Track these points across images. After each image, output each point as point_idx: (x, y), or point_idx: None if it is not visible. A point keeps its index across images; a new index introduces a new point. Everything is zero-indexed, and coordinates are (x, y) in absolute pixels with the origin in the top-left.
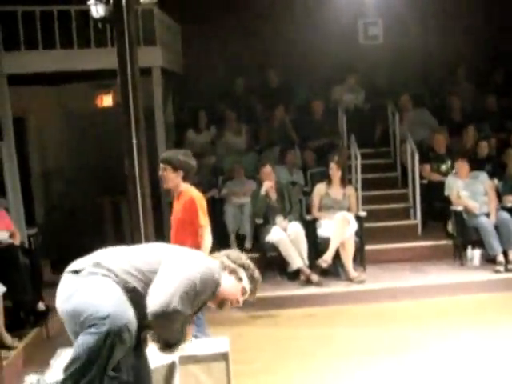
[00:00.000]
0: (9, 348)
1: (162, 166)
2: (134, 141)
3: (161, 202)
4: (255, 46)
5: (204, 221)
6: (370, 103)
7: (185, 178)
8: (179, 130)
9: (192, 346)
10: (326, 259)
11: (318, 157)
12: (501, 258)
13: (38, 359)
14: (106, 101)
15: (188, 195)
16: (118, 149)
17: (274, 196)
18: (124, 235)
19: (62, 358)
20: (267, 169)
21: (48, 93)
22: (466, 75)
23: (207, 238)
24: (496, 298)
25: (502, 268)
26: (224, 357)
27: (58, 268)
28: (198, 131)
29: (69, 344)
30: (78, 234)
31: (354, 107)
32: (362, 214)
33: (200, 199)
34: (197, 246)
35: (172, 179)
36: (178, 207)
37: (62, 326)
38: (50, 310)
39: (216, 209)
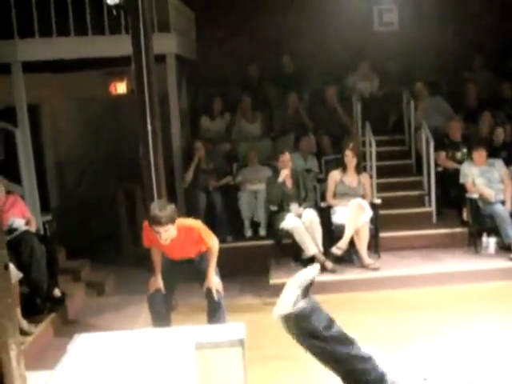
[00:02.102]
0: (25, 334)
1: (162, 227)
2: (149, 127)
3: (175, 188)
4: (270, 32)
5: (209, 239)
6: (384, 90)
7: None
8: (193, 117)
9: (208, 331)
10: (340, 246)
11: (332, 144)
12: None
13: (54, 344)
14: (120, 88)
15: (187, 228)
16: (132, 136)
17: (289, 183)
18: (138, 222)
19: (78, 344)
20: (286, 156)
21: (62, 80)
22: (482, 62)
23: (215, 246)
24: (509, 285)
25: None
26: (240, 343)
27: (73, 254)
28: (212, 118)
29: (84, 329)
30: (92, 220)
31: (369, 94)
32: (377, 201)
33: (196, 223)
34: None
35: (174, 232)
36: (180, 244)
37: (78, 312)
38: (66, 296)
39: (230, 196)
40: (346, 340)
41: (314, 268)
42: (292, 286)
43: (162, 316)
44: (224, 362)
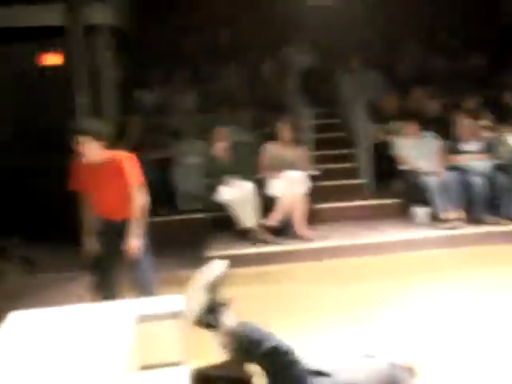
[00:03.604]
0: None
1: (80, 138)
2: (81, 99)
3: None
4: (205, 5)
5: (133, 180)
6: (319, 64)
7: (105, 145)
8: (126, 90)
9: (147, 304)
10: (275, 218)
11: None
12: (446, 215)
13: None
14: (51, 60)
15: (114, 159)
16: (62, 108)
17: (224, 156)
18: (71, 197)
19: (11, 321)
20: (221, 129)
21: None
22: (415, 37)
23: (139, 197)
24: (442, 253)
25: (447, 225)
26: (178, 315)
27: (4, 231)
28: (146, 91)
29: (17, 307)
30: (23, 196)
31: (304, 68)
32: (313, 173)
33: (127, 159)
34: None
35: (95, 150)
36: (105, 175)
37: (10, 289)
38: None
39: (166, 169)
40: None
41: (221, 265)
42: (198, 286)
43: (104, 286)
44: (164, 334)
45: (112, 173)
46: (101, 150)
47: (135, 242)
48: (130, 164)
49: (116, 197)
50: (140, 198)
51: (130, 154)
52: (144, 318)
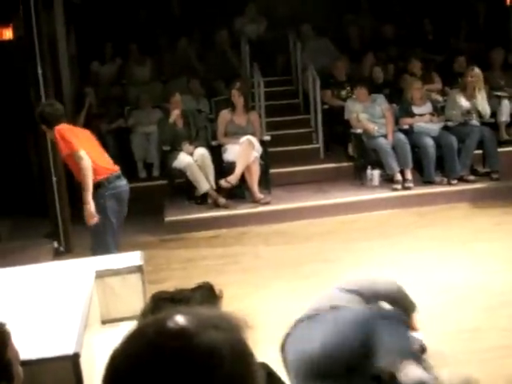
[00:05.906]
0: None
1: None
2: (40, 71)
3: None
4: None
5: (64, 150)
6: (272, 33)
7: (52, 125)
8: (83, 62)
9: (107, 260)
10: (229, 180)
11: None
12: (398, 176)
13: None
14: (6, 34)
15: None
16: (20, 83)
17: (180, 123)
18: (31, 168)
19: None
20: (176, 98)
21: None
22: (366, 5)
23: (83, 161)
24: (394, 213)
25: (399, 186)
26: (139, 269)
27: None
28: (102, 63)
29: None
30: None
31: (256, 37)
32: (266, 137)
33: (57, 131)
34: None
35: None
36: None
37: None
38: None
39: (123, 138)
40: None
41: None
42: None
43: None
44: (124, 288)
45: (57, 145)
46: (50, 129)
47: (88, 208)
48: (59, 135)
49: (69, 164)
50: (81, 164)
51: (58, 127)
52: (104, 273)
